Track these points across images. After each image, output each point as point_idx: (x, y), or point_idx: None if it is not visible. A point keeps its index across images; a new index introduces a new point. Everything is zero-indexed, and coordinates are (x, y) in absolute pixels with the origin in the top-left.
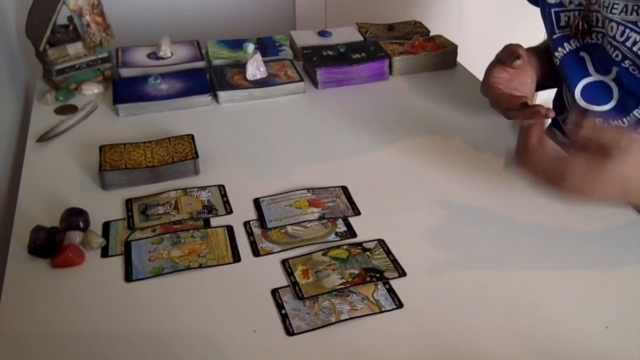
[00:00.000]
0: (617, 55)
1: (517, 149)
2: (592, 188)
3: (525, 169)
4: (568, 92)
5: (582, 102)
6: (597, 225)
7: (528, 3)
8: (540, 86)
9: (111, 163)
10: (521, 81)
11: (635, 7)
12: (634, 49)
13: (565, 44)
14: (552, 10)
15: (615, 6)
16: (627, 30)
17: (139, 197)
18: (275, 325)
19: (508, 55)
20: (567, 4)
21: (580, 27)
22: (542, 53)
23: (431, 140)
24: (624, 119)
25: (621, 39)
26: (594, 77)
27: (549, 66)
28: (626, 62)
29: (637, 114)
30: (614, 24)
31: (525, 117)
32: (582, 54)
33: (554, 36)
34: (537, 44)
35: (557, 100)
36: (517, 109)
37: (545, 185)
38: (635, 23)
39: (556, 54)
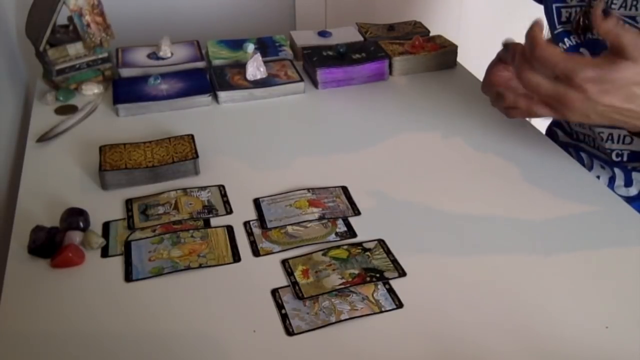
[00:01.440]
0: None
1: (526, 49)
2: (599, 93)
3: (537, 66)
4: None
5: None
6: (598, 226)
7: (533, 2)
8: None
9: (111, 163)
10: None
11: (634, 2)
12: None
13: (565, 39)
14: (554, 5)
15: (615, 1)
16: (626, 26)
17: (139, 197)
18: (275, 325)
19: (511, 55)
20: (569, 0)
21: (581, 23)
22: None
23: (431, 140)
24: None
25: None
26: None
27: None
28: None
29: None
30: None
31: (529, 114)
32: (582, 49)
33: (555, 31)
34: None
35: None
36: (519, 107)
37: (552, 87)
38: (634, 18)
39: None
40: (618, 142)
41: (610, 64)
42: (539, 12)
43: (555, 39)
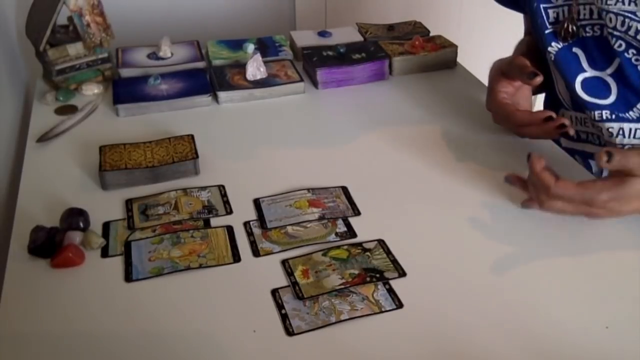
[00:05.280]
0: (620, 45)
1: (537, 191)
2: (620, 206)
3: (553, 207)
4: (564, 87)
5: (584, 96)
6: (598, 227)
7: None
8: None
9: (111, 163)
10: (523, 94)
11: None
12: (639, 37)
13: (554, 43)
14: (541, 6)
15: None
16: (627, 20)
17: (139, 197)
18: (275, 325)
19: (519, 71)
20: (555, 0)
21: (570, 30)
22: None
23: (431, 141)
24: (628, 114)
25: (622, 29)
26: (589, 73)
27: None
28: (630, 51)
29: None
30: (612, 15)
31: (548, 132)
32: (575, 49)
33: (546, 31)
34: (517, 49)
35: (548, 101)
36: (537, 123)
37: (577, 208)
38: (634, 13)
39: (550, 49)
40: (629, 136)
41: (621, 183)
42: None
43: (547, 39)
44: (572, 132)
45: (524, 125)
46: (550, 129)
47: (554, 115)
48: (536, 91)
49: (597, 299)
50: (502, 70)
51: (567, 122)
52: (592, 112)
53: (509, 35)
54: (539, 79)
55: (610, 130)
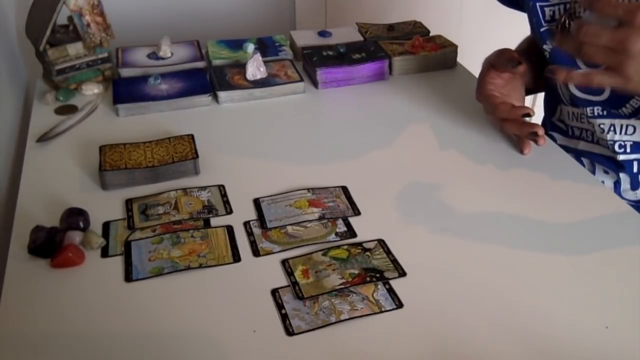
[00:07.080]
0: None
1: (585, 4)
2: None
3: (585, 41)
4: (562, 85)
5: (577, 93)
6: (597, 225)
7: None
8: (526, 91)
9: (111, 163)
10: (513, 86)
11: None
12: None
13: (549, 41)
14: (537, 4)
15: None
16: None
17: (139, 197)
18: (275, 325)
19: (507, 61)
20: None
21: (567, 26)
22: (524, 57)
23: (431, 140)
24: (621, 110)
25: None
26: (583, 70)
27: (533, 69)
28: None
29: (633, 104)
30: None
31: (522, 134)
32: None
33: (542, 29)
34: (519, 46)
35: (548, 101)
36: (516, 120)
37: (613, 32)
38: None
39: (545, 46)
40: (620, 133)
41: None
42: None
43: (542, 37)
44: (542, 142)
45: (504, 118)
46: (525, 132)
47: (531, 112)
48: (537, 89)
49: (597, 299)
50: (492, 63)
51: (540, 131)
52: (585, 109)
53: (509, 35)
54: (522, 68)
55: (601, 126)
